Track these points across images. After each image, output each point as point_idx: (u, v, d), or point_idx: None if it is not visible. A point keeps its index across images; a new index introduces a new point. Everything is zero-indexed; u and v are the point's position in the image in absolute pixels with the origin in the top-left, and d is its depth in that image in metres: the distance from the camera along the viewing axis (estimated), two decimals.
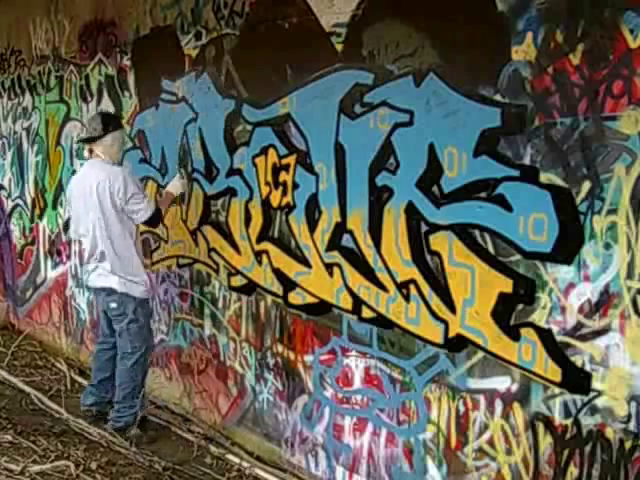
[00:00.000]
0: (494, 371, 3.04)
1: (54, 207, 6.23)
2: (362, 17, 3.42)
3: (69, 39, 5.82)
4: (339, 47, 3.54)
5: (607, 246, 2.60)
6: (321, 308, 3.81)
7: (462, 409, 3.19)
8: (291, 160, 3.87)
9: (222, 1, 4.22)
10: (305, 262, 3.85)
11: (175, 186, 4.57)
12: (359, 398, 3.70)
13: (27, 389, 5.21)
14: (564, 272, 2.74)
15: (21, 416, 4.77)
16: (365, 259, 3.51)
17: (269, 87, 3.95)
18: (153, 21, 4.84)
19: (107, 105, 5.40)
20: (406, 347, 3.41)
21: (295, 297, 3.96)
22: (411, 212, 3.26)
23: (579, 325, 2.72)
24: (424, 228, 3.23)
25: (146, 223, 4.48)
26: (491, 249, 2.98)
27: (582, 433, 2.73)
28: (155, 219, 4.46)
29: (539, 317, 2.84)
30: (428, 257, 3.23)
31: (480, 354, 3.08)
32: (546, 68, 2.72)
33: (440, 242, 3.17)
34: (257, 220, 4.14)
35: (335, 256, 3.67)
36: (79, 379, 5.52)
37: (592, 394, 2.69)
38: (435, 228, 3.18)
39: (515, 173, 2.85)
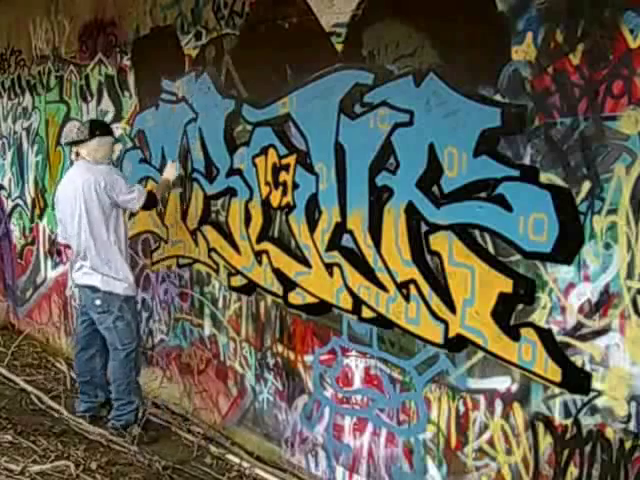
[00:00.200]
0: (494, 371, 3.04)
1: (54, 207, 6.22)
2: (362, 17, 3.42)
3: (69, 39, 5.82)
4: (339, 47, 3.54)
5: (607, 246, 2.60)
6: (321, 308, 3.81)
7: (462, 409, 3.19)
8: (291, 160, 3.87)
9: (222, 1, 4.22)
10: (305, 262, 3.85)
11: (169, 172, 4.68)
12: (359, 398, 3.70)
13: (27, 389, 5.21)
14: (564, 272, 2.74)
15: (21, 416, 4.77)
16: (365, 259, 3.51)
17: (269, 87, 3.95)
18: (153, 21, 4.84)
19: (107, 105, 5.40)
20: (406, 347, 3.41)
21: (295, 297, 3.96)
22: (411, 212, 3.26)
23: (579, 325, 2.72)
24: (424, 228, 3.23)
25: (144, 208, 4.57)
26: (491, 249, 2.98)
27: (582, 433, 2.73)
28: (151, 203, 4.57)
29: (539, 317, 2.84)
30: (428, 257, 3.23)
31: (480, 354, 3.08)
32: (546, 68, 2.72)
33: (440, 242, 3.17)
34: (257, 220, 4.14)
35: (335, 256, 3.67)
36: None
37: (592, 394, 2.69)
38: (435, 228, 3.18)
39: (515, 173, 2.85)
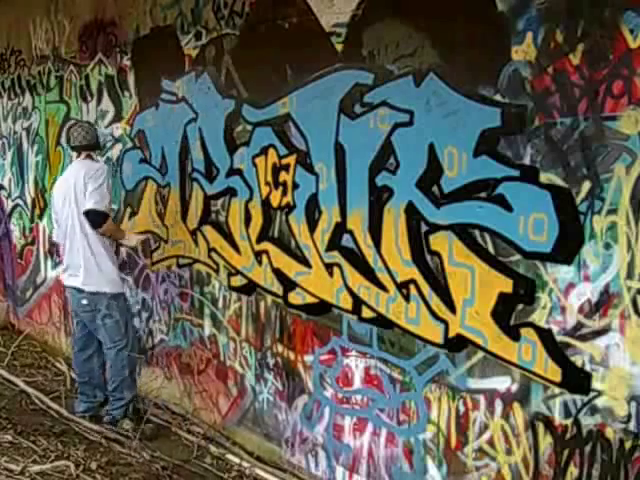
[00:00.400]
0: (494, 371, 3.04)
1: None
2: (362, 17, 3.42)
3: (69, 39, 5.82)
4: (339, 47, 3.54)
5: (607, 246, 2.60)
6: (321, 308, 3.81)
7: (462, 409, 3.19)
8: (291, 160, 3.87)
9: (222, 1, 4.22)
10: (305, 262, 3.85)
11: (131, 238, 4.76)
12: (359, 398, 3.70)
13: (27, 389, 5.21)
14: (564, 272, 2.74)
15: (21, 416, 4.77)
16: (365, 259, 3.51)
17: (269, 87, 3.95)
18: (153, 21, 4.84)
19: (107, 105, 5.40)
20: (406, 347, 3.41)
21: (295, 297, 3.96)
22: (411, 212, 3.26)
23: (579, 325, 2.72)
24: (424, 228, 3.23)
25: (86, 216, 4.44)
26: (491, 249, 2.98)
27: (582, 433, 2.73)
28: (95, 219, 4.43)
29: (539, 317, 2.84)
30: (428, 257, 3.23)
31: (480, 354, 3.08)
32: (546, 68, 2.72)
33: (440, 242, 3.16)
34: (257, 220, 4.14)
35: (335, 256, 3.67)
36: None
37: (592, 394, 2.69)
38: (435, 228, 3.18)
39: (515, 173, 2.85)
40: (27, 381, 5.37)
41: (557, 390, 2.81)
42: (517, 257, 2.88)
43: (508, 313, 2.94)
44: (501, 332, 2.96)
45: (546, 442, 2.87)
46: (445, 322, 3.18)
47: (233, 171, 4.27)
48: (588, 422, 2.71)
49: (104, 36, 5.36)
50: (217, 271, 4.52)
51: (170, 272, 4.96)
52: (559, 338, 2.78)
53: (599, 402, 2.68)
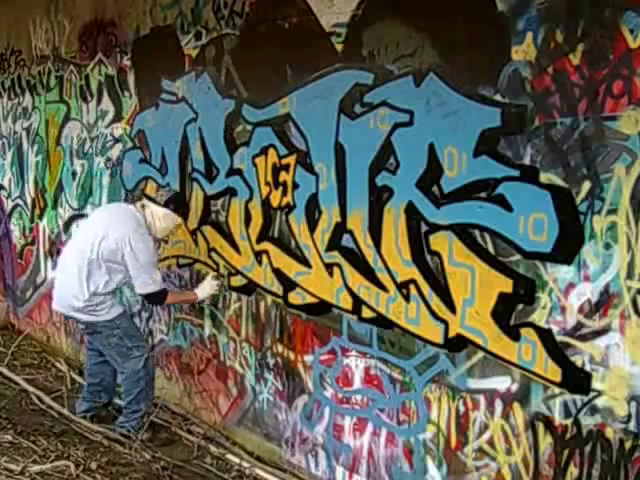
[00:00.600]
0: (494, 371, 3.04)
1: (54, 207, 6.24)
2: (362, 17, 3.42)
3: (69, 39, 5.82)
4: (339, 47, 3.54)
5: (607, 246, 2.60)
6: (321, 308, 3.81)
7: (462, 409, 3.19)
8: (291, 160, 3.87)
9: (222, 1, 4.22)
10: (305, 262, 3.85)
11: (204, 289, 4.43)
12: (359, 398, 3.70)
13: (28, 387, 5.21)
14: (564, 272, 2.74)
15: (21, 416, 4.76)
16: (365, 259, 3.51)
17: (269, 87, 3.95)
18: (153, 21, 4.84)
19: (107, 105, 5.40)
20: (406, 347, 3.41)
21: (295, 297, 3.96)
22: (411, 212, 3.26)
23: (579, 325, 2.72)
24: (424, 228, 3.23)
25: (147, 298, 4.45)
26: (491, 249, 2.98)
27: (582, 433, 2.73)
28: (157, 301, 4.46)
29: (539, 317, 2.84)
30: (428, 257, 3.23)
31: (480, 354, 3.08)
32: (546, 68, 2.72)
33: (440, 242, 3.16)
34: (257, 220, 4.14)
35: (335, 256, 3.67)
36: (79, 379, 5.51)
37: (592, 394, 2.70)
38: (435, 228, 3.18)
39: (515, 173, 2.85)
40: (27, 380, 5.37)
41: (557, 390, 2.81)
42: (517, 257, 2.88)
43: (508, 313, 2.94)
44: (501, 332, 2.96)
45: (546, 442, 2.87)
46: (445, 322, 3.18)
47: (233, 171, 4.27)
48: (588, 422, 2.71)
49: (104, 36, 5.36)
50: (217, 271, 4.52)
51: (170, 272, 4.96)
52: (559, 338, 2.78)
53: (599, 402, 2.68)
